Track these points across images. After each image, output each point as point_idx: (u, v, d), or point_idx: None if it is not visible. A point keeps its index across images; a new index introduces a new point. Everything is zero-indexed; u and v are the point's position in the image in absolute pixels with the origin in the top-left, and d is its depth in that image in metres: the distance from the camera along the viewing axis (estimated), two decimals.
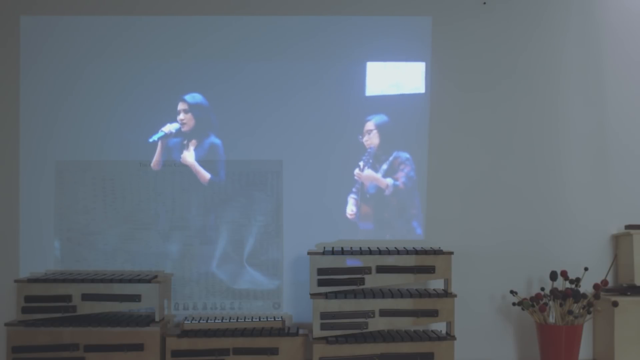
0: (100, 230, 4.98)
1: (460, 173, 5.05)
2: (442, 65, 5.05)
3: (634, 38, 5.12)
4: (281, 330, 4.63)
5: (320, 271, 4.56)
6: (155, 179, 5.00)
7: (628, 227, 4.95)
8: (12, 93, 5.00)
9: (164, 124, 5.01)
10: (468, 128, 5.06)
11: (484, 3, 5.09)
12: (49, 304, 4.55)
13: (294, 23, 5.05)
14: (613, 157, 5.09)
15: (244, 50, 5.03)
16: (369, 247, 4.66)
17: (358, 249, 4.62)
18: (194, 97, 5.05)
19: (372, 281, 4.58)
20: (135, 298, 4.56)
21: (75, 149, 5.01)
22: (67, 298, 4.55)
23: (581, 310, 4.66)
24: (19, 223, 4.97)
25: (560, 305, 4.67)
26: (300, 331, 4.69)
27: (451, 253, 4.64)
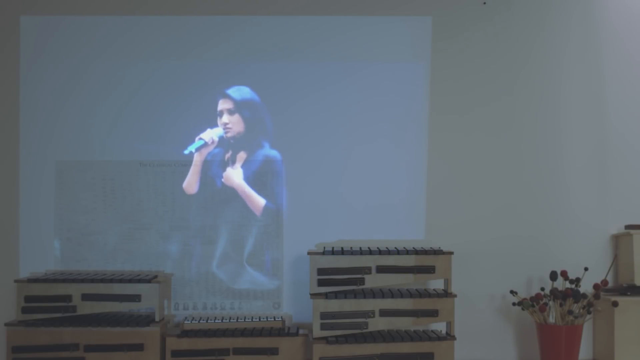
0: (100, 230, 4.98)
1: (460, 173, 5.05)
2: (441, 65, 5.05)
3: (635, 38, 5.12)
4: (281, 330, 4.63)
5: (320, 271, 4.56)
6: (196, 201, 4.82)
7: (628, 227, 4.95)
8: (12, 93, 5.00)
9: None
10: (468, 128, 5.06)
11: (484, 3, 5.09)
12: (49, 304, 4.55)
13: (293, 23, 5.04)
14: (613, 157, 5.09)
15: (240, 50, 5.03)
16: (369, 247, 4.66)
17: (358, 249, 4.62)
18: (240, 91, 4.66)
19: (372, 281, 4.57)
20: (135, 298, 4.55)
21: (75, 149, 5.00)
22: (67, 298, 4.55)
23: (581, 310, 4.66)
24: (19, 223, 4.97)
25: (560, 305, 4.67)
26: (300, 331, 4.69)
27: (451, 253, 4.63)
